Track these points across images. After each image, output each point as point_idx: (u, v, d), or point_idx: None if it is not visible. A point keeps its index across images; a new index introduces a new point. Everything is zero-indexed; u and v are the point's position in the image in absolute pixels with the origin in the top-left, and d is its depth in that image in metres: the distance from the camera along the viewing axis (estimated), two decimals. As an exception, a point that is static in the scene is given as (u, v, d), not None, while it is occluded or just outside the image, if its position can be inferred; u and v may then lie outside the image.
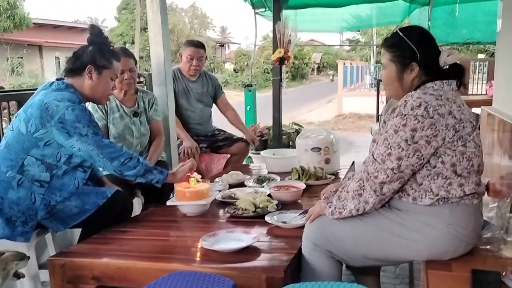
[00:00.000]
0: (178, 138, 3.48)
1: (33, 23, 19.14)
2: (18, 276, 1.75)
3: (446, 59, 1.62)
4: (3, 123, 2.91)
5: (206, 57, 3.76)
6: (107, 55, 2.15)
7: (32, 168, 2.01)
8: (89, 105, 2.82)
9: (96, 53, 2.12)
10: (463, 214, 1.56)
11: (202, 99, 3.69)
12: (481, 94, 6.92)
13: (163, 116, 3.09)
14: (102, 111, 2.76)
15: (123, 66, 2.70)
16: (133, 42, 27.15)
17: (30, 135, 1.99)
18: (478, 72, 7.84)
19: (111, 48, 2.21)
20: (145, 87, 3.74)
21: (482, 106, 3.54)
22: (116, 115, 2.80)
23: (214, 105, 3.86)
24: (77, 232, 2.23)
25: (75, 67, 2.12)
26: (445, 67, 1.64)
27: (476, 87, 7.57)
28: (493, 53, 11.64)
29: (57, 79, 2.15)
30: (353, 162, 3.27)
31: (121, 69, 2.69)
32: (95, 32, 2.18)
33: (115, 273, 1.73)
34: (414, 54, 1.62)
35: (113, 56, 2.19)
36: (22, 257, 1.73)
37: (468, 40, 7.09)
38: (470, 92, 6.94)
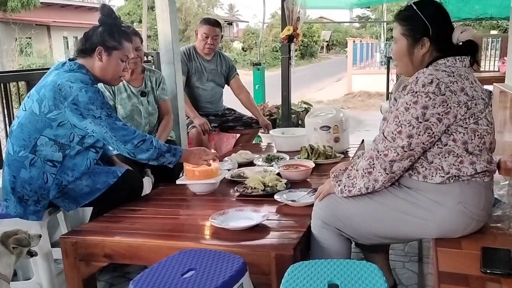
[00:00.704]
0: (187, 118, 3.48)
1: (41, 3, 19.05)
2: (31, 254, 1.79)
3: (459, 36, 1.58)
4: (13, 103, 2.92)
5: (222, 36, 3.72)
6: (117, 36, 2.12)
7: (45, 148, 2.01)
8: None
9: (106, 34, 2.10)
10: (473, 192, 1.55)
11: (215, 79, 3.68)
12: (493, 71, 6.81)
13: (171, 95, 3.08)
14: (109, 92, 2.75)
15: None
16: (140, 21, 26.91)
17: (44, 115, 1.99)
18: (491, 49, 7.69)
19: (122, 28, 2.18)
20: (153, 66, 3.73)
21: (494, 83, 3.49)
22: (123, 95, 2.79)
23: (226, 85, 3.84)
24: (89, 210, 2.26)
25: (85, 48, 2.10)
26: (458, 44, 1.60)
27: (489, 63, 7.44)
28: (506, 29, 11.40)
29: (70, 59, 2.14)
30: (363, 140, 3.26)
31: None
32: (106, 12, 2.14)
33: (126, 251, 1.76)
34: (427, 28, 1.59)
35: (124, 37, 2.15)
36: (35, 238, 1.76)
37: (480, 16, 6.93)
38: (482, 69, 6.84)
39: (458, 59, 1.57)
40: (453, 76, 1.51)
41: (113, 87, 2.76)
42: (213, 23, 3.57)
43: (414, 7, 1.62)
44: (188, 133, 3.45)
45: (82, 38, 2.14)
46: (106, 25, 2.12)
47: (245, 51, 26.77)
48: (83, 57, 2.11)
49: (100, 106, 2.00)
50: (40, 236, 1.82)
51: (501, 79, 3.70)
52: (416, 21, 1.60)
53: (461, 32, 1.58)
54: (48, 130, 2.00)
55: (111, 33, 2.11)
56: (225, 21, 35.41)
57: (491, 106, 1.60)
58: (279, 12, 5.13)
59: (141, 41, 2.82)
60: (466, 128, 1.52)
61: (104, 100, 2.05)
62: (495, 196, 1.76)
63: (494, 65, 7.22)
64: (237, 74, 3.85)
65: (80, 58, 2.12)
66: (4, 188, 2.06)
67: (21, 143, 2.01)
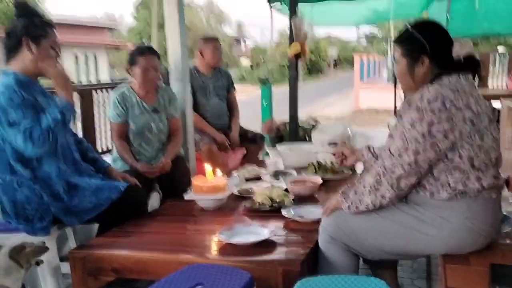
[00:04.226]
0: (200, 133, 3.54)
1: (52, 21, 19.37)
2: (37, 263, 1.79)
3: (459, 51, 1.61)
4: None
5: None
6: (40, 24, 2.03)
7: (18, 168, 1.98)
8: (110, 101, 2.85)
9: (28, 23, 2.01)
10: (481, 208, 1.54)
11: (219, 93, 3.76)
12: (501, 87, 6.79)
13: (180, 111, 3.11)
14: (122, 108, 2.78)
15: (148, 64, 2.72)
16: (150, 39, 27.31)
17: None
18: (499, 65, 7.69)
19: (42, 17, 2.08)
20: (163, 84, 3.78)
21: (502, 99, 3.49)
22: (136, 111, 2.81)
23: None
24: (97, 225, 2.27)
25: (11, 44, 2.01)
26: (459, 60, 1.63)
27: (496, 80, 7.42)
28: (514, 46, 11.38)
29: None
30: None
31: (145, 67, 2.72)
32: (20, 5, 2.05)
33: (134, 265, 1.76)
34: (424, 47, 1.62)
35: (47, 24, 2.05)
36: (43, 251, 1.77)
37: (488, 33, 6.94)
38: (489, 85, 6.82)
39: (462, 75, 1.59)
40: (458, 92, 1.53)
41: (126, 103, 2.78)
42: (217, 39, 3.81)
43: (409, 27, 1.65)
44: (200, 149, 3.48)
45: (4, 37, 2.02)
46: (24, 17, 2.03)
47: (253, 68, 26.95)
48: (12, 56, 2.02)
49: (16, 107, 1.89)
50: (43, 243, 1.82)
51: (509, 95, 3.69)
52: (412, 40, 1.64)
53: (460, 47, 1.60)
54: (2, 152, 1.95)
55: (32, 22, 2.02)
56: (233, 39, 35.78)
57: (495, 122, 1.61)
58: (287, 29, 5.17)
59: (160, 62, 2.86)
60: (472, 144, 1.52)
61: (24, 102, 1.92)
62: (504, 213, 1.75)
63: (502, 82, 7.21)
64: (234, 89, 3.95)
65: (11, 61, 2.02)
66: (7, 215, 2.06)
67: (2, 169, 1.99)
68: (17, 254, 1.69)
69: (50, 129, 1.92)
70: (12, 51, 2.02)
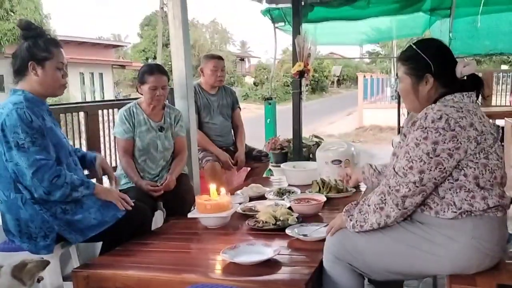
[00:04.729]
0: (204, 151, 3.55)
1: (59, 40, 19.62)
2: (38, 280, 1.78)
3: (462, 70, 1.62)
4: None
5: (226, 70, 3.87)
6: (44, 46, 2.05)
7: (21, 187, 1.98)
8: (117, 117, 2.87)
9: (33, 47, 2.03)
10: (487, 227, 1.53)
11: (223, 111, 3.77)
12: (504, 106, 6.80)
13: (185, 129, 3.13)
14: (129, 124, 2.79)
15: (156, 83, 2.75)
16: (155, 57, 27.62)
17: None
18: (502, 83, 7.72)
19: (48, 37, 2.09)
20: (166, 101, 3.80)
21: (506, 118, 3.49)
22: (143, 128, 2.83)
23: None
24: (100, 244, 2.26)
25: (17, 67, 2.05)
26: (463, 78, 1.63)
27: (500, 98, 7.44)
28: (517, 64, 11.43)
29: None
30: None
31: (154, 85, 2.75)
32: (24, 26, 2.06)
33: (137, 285, 1.75)
34: (428, 65, 1.63)
35: (52, 44, 2.07)
36: (44, 266, 1.76)
37: (491, 51, 6.98)
38: (493, 104, 6.83)
39: (466, 94, 1.60)
40: (462, 111, 1.53)
41: (133, 120, 2.81)
42: (218, 57, 3.78)
43: (414, 46, 1.67)
44: (203, 167, 3.48)
45: (11, 59, 2.07)
46: (30, 39, 2.06)
47: (257, 85, 27.11)
48: (19, 78, 2.06)
49: (25, 130, 1.91)
50: (48, 262, 1.81)
51: (512, 114, 3.69)
52: (417, 59, 1.65)
53: (464, 66, 1.62)
54: (5, 171, 1.96)
55: (36, 44, 2.04)
56: (237, 57, 36.10)
57: (500, 141, 1.61)
58: (291, 48, 5.22)
59: (168, 80, 2.89)
60: (477, 163, 1.52)
61: (33, 124, 1.94)
62: (510, 232, 1.74)
63: (505, 100, 7.22)
64: (239, 108, 3.95)
65: (19, 82, 2.06)
66: (9, 234, 2.07)
67: (7, 186, 2.00)
68: (19, 272, 1.69)
69: (63, 192, 1.98)
70: (19, 73, 2.06)
